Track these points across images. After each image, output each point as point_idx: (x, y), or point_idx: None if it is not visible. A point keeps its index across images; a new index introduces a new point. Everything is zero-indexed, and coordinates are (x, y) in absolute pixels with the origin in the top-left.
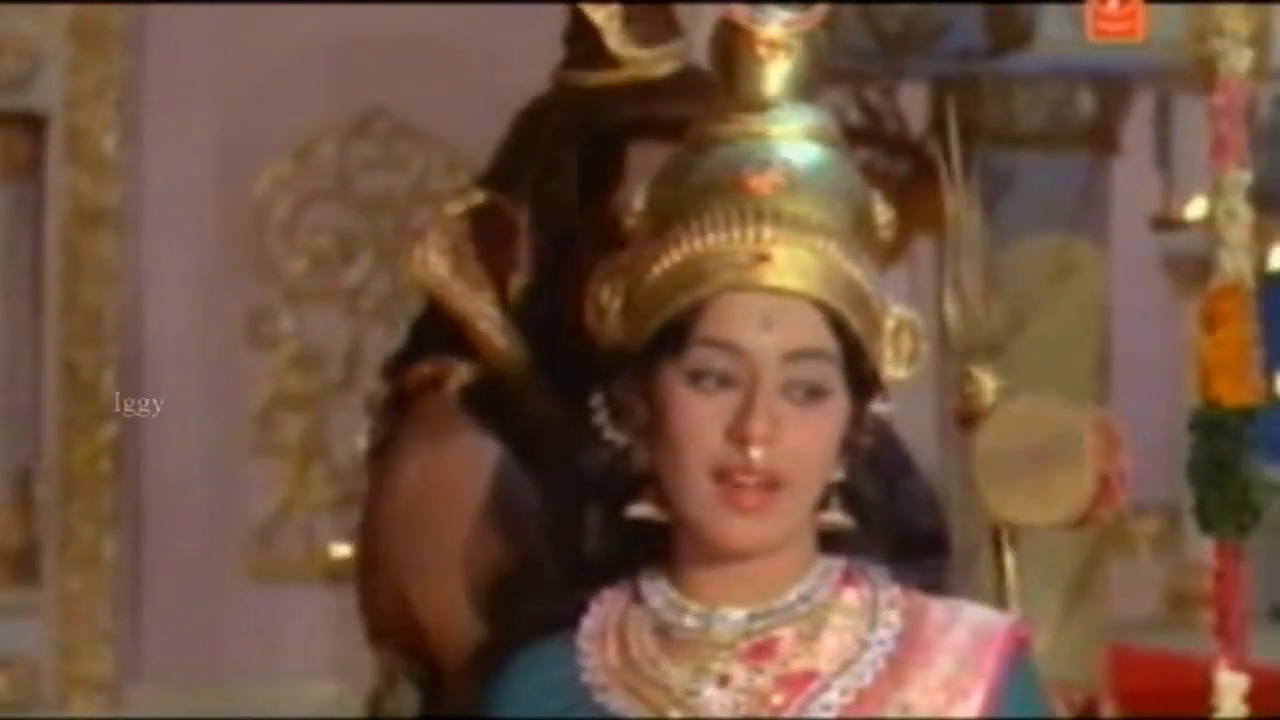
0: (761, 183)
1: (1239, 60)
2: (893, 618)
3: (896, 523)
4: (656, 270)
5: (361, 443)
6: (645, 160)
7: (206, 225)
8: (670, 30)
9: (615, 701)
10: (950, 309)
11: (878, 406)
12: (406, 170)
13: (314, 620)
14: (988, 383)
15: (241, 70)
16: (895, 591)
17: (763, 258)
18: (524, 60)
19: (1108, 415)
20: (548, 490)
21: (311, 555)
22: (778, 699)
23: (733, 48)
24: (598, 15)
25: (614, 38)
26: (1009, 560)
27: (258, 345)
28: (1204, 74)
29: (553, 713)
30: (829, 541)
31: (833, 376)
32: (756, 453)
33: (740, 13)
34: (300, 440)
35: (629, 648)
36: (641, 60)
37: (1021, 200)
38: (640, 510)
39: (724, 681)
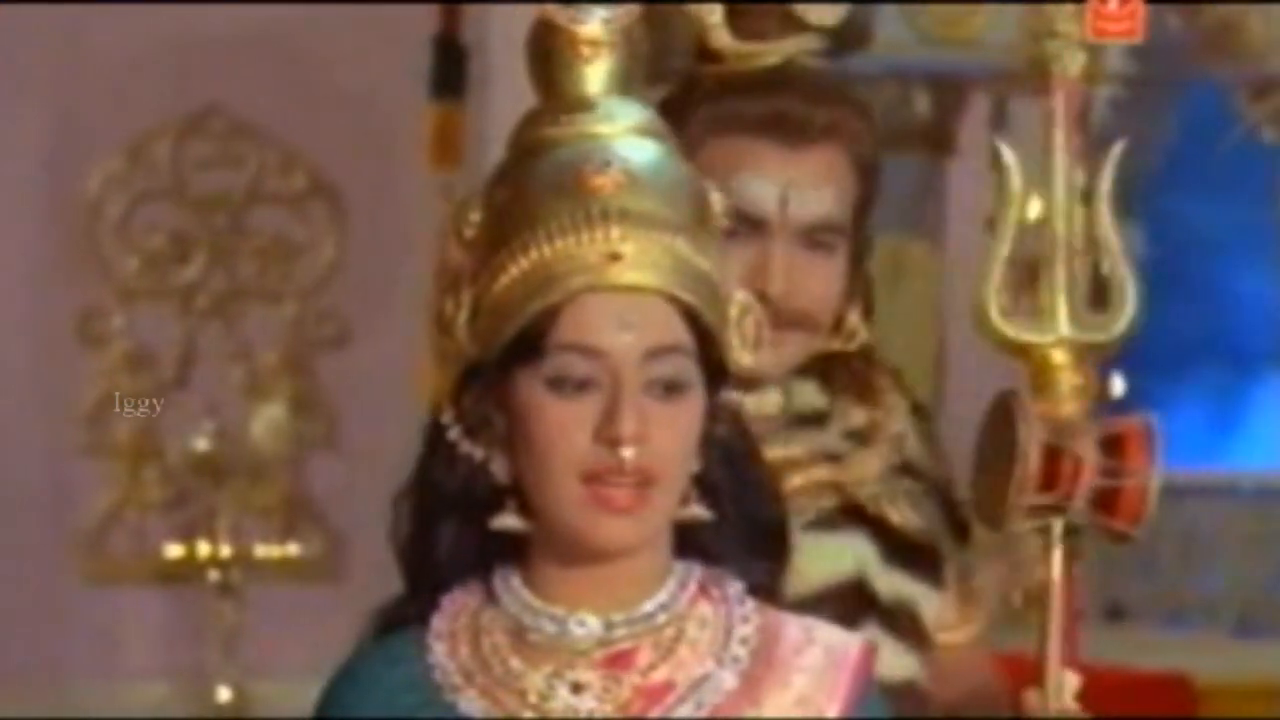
0: (604, 182)
1: (1073, 63)
2: (748, 633)
3: (745, 513)
4: (504, 279)
5: (203, 441)
6: (728, 155)
7: (37, 223)
8: (788, 27)
9: (466, 702)
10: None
11: (727, 395)
12: (242, 169)
13: (146, 621)
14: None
15: (74, 68)
16: (750, 606)
17: (614, 257)
18: (360, 59)
19: (1146, 419)
20: (404, 500)
21: (144, 556)
22: (634, 708)
23: (553, 48)
24: (700, 10)
25: (713, 32)
26: (1056, 557)
27: (89, 344)
28: (1038, 76)
29: (401, 711)
30: (683, 532)
31: (690, 370)
32: (628, 452)
33: (558, 13)
34: (132, 440)
35: (481, 648)
36: (742, 54)
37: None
38: (503, 522)
39: (579, 689)
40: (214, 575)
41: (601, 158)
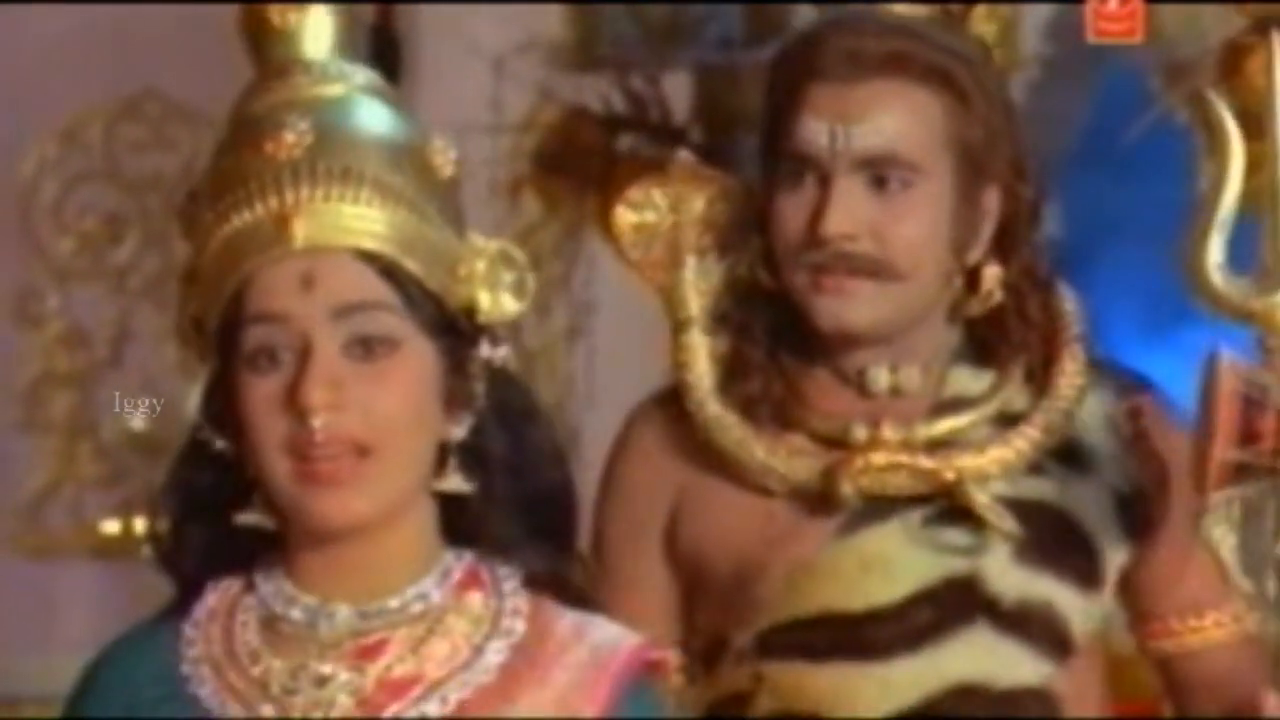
0: (278, 146)
1: None
2: (516, 626)
3: (522, 477)
4: (204, 263)
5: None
6: (792, 101)
7: None
8: None
9: (209, 695)
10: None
11: (489, 351)
12: (176, 151)
13: (83, 595)
14: None
15: (7, 51)
16: (522, 599)
17: (287, 219)
18: None
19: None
20: (160, 498)
21: (80, 531)
22: (376, 702)
23: (255, 17)
24: None
25: None
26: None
27: (25, 324)
28: None
29: (147, 701)
30: (454, 517)
31: (399, 326)
32: (317, 421)
33: None
34: (68, 417)
35: (233, 638)
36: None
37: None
38: (247, 517)
39: (322, 681)
40: (151, 550)
41: (279, 121)
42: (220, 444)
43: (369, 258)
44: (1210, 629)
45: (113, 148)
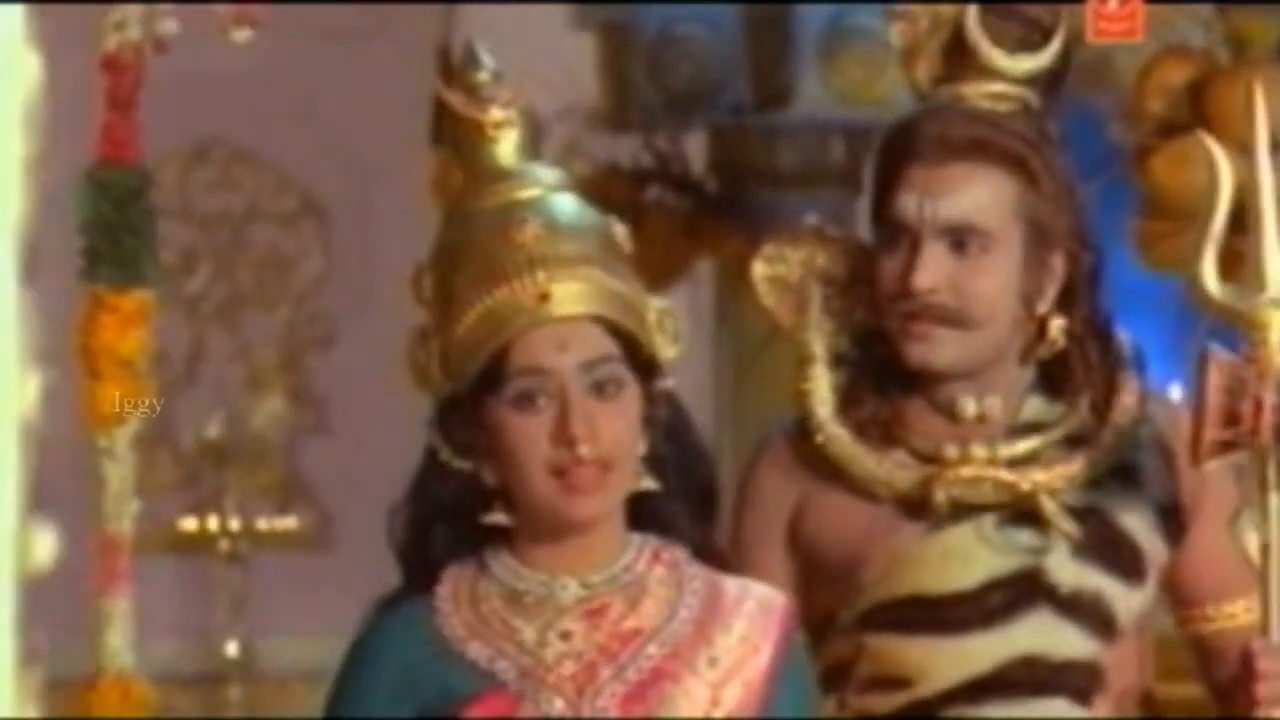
0: (524, 235)
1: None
2: (696, 587)
3: (686, 478)
4: (461, 328)
5: (211, 429)
6: (892, 178)
7: (62, 239)
8: (983, 73)
9: (473, 650)
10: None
11: (661, 382)
12: (241, 192)
13: (162, 585)
14: None
15: (89, 101)
16: (695, 568)
17: (544, 296)
18: (345, 94)
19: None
20: (399, 511)
21: (159, 529)
22: (611, 649)
23: (464, 133)
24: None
25: (914, 80)
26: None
27: None
28: None
29: (417, 658)
30: (637, 506)
31: (622, 371)
32: (584, 449)
33: (460, 103)
34: (148, 428)
35: (480, 610)
36: (924, 94)
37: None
38: (494, 518)
39: (566, 636)
40: (224, 545)
41: (519, 215)
42: (459, 464)
43: (601, 321)
44: (1241, 614)
45: (186, 188)
